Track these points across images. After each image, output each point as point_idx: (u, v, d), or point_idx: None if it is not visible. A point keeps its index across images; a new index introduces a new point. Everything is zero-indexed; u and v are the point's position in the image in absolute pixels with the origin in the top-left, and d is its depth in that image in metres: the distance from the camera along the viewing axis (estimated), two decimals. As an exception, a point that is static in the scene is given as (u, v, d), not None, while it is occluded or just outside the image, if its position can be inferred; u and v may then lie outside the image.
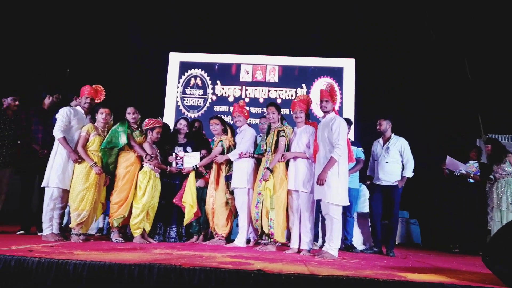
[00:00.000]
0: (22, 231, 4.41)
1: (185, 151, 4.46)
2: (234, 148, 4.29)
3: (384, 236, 4.43)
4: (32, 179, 4.47)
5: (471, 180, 5.26)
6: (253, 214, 3.93)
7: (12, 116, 4.50)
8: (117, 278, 2.36)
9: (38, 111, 4.59)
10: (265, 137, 4.12)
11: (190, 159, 4.37)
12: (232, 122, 6.73)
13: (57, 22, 6.98)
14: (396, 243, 6.38)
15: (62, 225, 4.16)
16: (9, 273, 2.43)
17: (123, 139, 3.99)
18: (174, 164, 4.37)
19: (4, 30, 6.49)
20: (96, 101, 4.19)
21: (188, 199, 4.20)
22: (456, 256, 4.68)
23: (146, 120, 4.23)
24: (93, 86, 4.19)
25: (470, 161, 5.34)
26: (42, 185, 3.89)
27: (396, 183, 4.32)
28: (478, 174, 5.20)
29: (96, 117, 4.08)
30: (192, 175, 4.31)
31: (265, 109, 6.79)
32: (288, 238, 3.93)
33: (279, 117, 4.10)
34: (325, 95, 3.72)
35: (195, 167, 4.32)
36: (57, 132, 3.86)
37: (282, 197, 3.83)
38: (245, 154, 4.14)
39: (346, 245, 4.54)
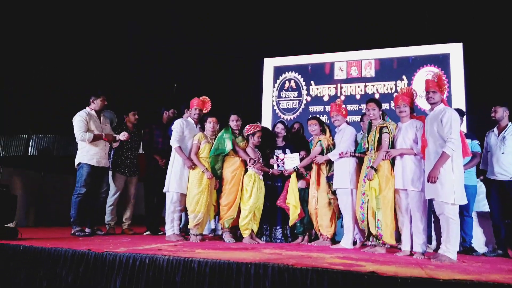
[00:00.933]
0: (148, 232, 4.99)
1: (284, 153, 4.58)
2: (334, 147, 4.27)
3: (508, 237, 3.97)
4: (155, 186, 4.99)
5: None
6: (358, 215, 3.85)
7: (133, 129, 5.13)
8: (236, 275, 2.56)
9: (158, 125, 5.17)
10: (367, 135, 4.01)
11: (291, 160, 4.47)
12: (329, 122, 6.70)
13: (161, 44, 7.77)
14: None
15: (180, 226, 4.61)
16: (144, 270, 2.81)
17: (228, 145, 4.27)
18: (275, 166, 4.51)
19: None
20: (203, 111, 4.57)
21: (291, 200, 4.30)
22: None
23: (247, 126, 4.45)
24: (201, 98, 4.57)
25: None
26: (164, 191, 4.37)
27: None
28: None
29: (205, 126, 4.45)
30: (293, 176, 4.39)
31: (362, 105, 6.66)
32: (398, 240, 3.76)
33: (380, 113, 3.95)
34: (431, 86, 3.49)
35: (295, 168, 4.40)
36: (174, 142, 4.31)
37: (389, 197, 3.68)
38: (346, 153, 4.09)
39: (465, 248, 4.15)
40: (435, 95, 3.47)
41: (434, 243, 4.23)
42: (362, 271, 2.32)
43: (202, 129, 4.54)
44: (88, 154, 4.46)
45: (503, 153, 3.96)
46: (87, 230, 4.54)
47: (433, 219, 4.14)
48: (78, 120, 4.44)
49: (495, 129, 4.14)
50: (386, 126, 3.78)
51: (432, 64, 6.83)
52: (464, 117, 6.04)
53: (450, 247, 3.18)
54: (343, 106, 4.44)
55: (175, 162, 4.32)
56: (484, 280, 2.19)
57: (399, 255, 3.51)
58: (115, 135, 4.67)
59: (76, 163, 4.50)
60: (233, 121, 4.47)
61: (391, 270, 2.44)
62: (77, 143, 4.52)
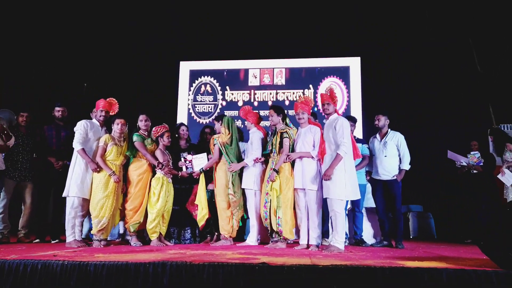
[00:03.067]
0: (37, 240, 4.66)
1: (190, 154, 4.64)
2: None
3: (391, 230, 4.52)
4: (48, 190, 4.72)
5: (474, 171, 5.32)
6: (262, 213, 4.09)
7: (25, 131, 4.79)
8: (133, 276, 2.57)
9: (52, 124, 4.84)
10: (272, 138, 4.28)
11: (199, 161, 4.51)
12: (241, 126, 6.94)
13: (68, 36, 7.32)
14: (411, 236, 6.44)
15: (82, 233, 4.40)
16: (36, 277, 2.67)
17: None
18: (184, 168, 4.54)
19: (17, 44, 6.83)
20: (110, 113, 4.44)
21: (199, 201, 4.37)
22: (468, 246, 4.71)
23: (154, 128, 4.37)
24: (107, 99, 4.44)
25: (472, 152, 5.41)
26: (63, 195, 4.13)
27: (395, 177, 4.43)
28: (481, 164, 5.24)
29: (112, 128, 4.30)
30: (202, 178, 4.44)
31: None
32: (298, 235, 4.08)
33: (280, 118, 4.23)
34: (325, 99, 3.91)
35: (201, 170, 4.45)
36: (76, 145, 4.11)
37: (289, 196, 3.98)
38: (260, 159, 4.29)
39: (356, 240, 4.65)
40: (329, 106, 3.90)
41: (330, 237, 4.63)
42: (254, 263, 2.49)
43: (108, 131, 4.40)
44: (-24, 156, 4.07)
45: (385, 156, 4.51)
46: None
47: (330, 216, 4.54)
48: None
49: (378, 135, 4.70)
50: (286, 131, 4.09)
51: (335, 75, 7.49)
52: (360, 124, 6.74)
53: (338, 238, 3.56)
54: (253, 111, 4.64)
55: (77, 165, 4.12)
56: (357, 264, 2.50)
57: (296, 249, 3.81)
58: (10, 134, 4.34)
59: None
60: (142, 121, 4.40)
61: (281, 261, 2.66)
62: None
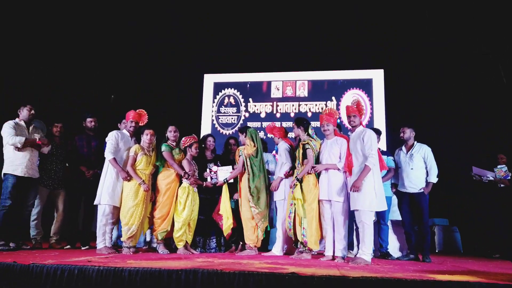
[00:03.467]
0: (68, 246, 4.81)
1: (216, 165, 4.74)
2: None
3: (418, 243, 4.47)
4: (79, 198, 4.88)
5: (502, 185, 5.22)
6: (286, 224, 4.12)
7: (59, 141, 4.99)
8: (166, 282, 2.65)
9: (82, 134, 5.01)
10: (296, 150, 4.34)
11: (223, 173, 4.60)
12: (265, 137, 7.02)
13: (97, 47, 7.61)
14: (437, 250, 6.32)
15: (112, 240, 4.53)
16: (73, 281, 2.79)
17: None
18: (209, 179, 4.63)
19: (45, 55, 7.12)
20: (140, 124, 4.60)
21: (223, 211, 4.44)
22: (496, 261, 4.61)
23: (183, 138, 4.51)
24: (137, 110, 4.61)
25: (498, 166, 5.30)
26: (95, 203, 4.29)
27: (422, 190, 4.39)
28: (508, 178, 5.14)
29: (142, 138, 4.43)
30: (225, 188, 4.50)
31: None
32: (323, 246, 4.09)
33: (301, 130, 4.28)
34: (352, 111, 3.94)
35: (225, 180, 4.52)
36: (108, 154, 4.27)
37: (313, 206, 4.01)
38: (290, 172, 4.34)
39: (382, 253, 4.61)
40: (355, 118, 3.95)
41: (355, 249, 4.62)
42: (284, 273, 2.54)
43: (138, 141, 4.55)
44: (13, 164, 4.29)
45: (411, 169, 4.48)
46: (11, 244, 4.30)
47: (354, 228, 4.54)
48: (6, 127, 4.32)
49: (403, 148, 4.68)
50: (308, 143, 4.14)
51: (358, 88, 7.51)
52: (384, 136, 6.71)
53: (365, 250, 3.56)
54: (277, 126, 4.75)
55: (108, 174, 4.27)
56: (387, 277, 2.51)
57: (322, 260, 3.82)
58: (47, 140, 4.56)
59: (2, 173, 4.30)
60: (171, 132, 4.54)
61: (310, 271, 2.69)
62: (3, 153, 4.32)
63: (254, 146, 4.45)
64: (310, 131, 4.30)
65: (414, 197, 4.46)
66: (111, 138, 4.38)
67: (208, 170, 4.68)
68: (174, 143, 4.56)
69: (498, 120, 6.64)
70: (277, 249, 4.30)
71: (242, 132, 4.63)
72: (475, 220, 6.26)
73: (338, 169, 4.00)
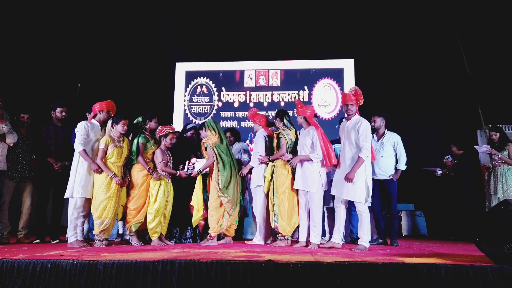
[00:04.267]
0: (38, 241, 4.66)
1: (195, 157, 4.71)
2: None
3: (386, 228, 4.65)
4: (47, 191, 4.75)
5: (452, 174, 5.63)
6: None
7: (25, 133, 4.80)
8: (143, 274, 2.64)
9: (50, 125, 4.83)
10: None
11: (200, 164, 4.60)
12: (237, 127, 7.03)
13: (65, 37, 7.32)
14: (403, 235, 6.60)
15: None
16: (46, 276, 2.72)
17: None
18: (185, 169, 4.60)
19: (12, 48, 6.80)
20: (111, 114, 4.48)
21: (194, 202, 4.41)
22: (459, 243, 4.87)
23: (159, 127, 4.46)
24: (107, 100, 4.48)
25: (445, 157, 5.76)
26: (66, 196, 4.17)
27: (391, 177, 4.56)
28: (455, 167, 5.53)
29: (115, 128, 4.25)
30: (198, 179, 4.48)
31: (269, 112, 7.13)
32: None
33: (277, 120, 4.41)
34: (349, 99, 3.94)
35: (199, 171, 4.48)
36: (78, 146, 4.13)
37: (286, 194, 4.09)
38: (264, 158, 4.38)
39: (352, 238, 4.75)
40: (352, 107, 3.96)
41: (327, 235, 4.76)
42: (261, 260, 2.59)
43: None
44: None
45: (382, 156, 4.62)
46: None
47: (326, 214, 4.67)
48: None
49: (374, 136, 4.79)
50: (280, 132, 4.25)
51: (329, 77, 7.63)
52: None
53: (364, 237, 3.69)
54: (260, 112, 4.75)
55: (80, 166, 4.15)
56: (359, 261, 2.61)
57: (296, 246, 3.91)
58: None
59: None
60: (152, 122, 4.49)
61: (285, 258, 2.76)
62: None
63: (216, 134, 4.41)
64: (285, 120, 4.35)
65: (383, 184, 4.61)
66: (81, 128, 4.21)
67: (187, 161, 4.64)
68: (149, 135, 4.48)
69: (462, 108, 6.95)
70: (258, 238, 4.34)
71: (200, 128, 4.64)
72: (438, 205, 6.58)
73: (311, 160, 4.07)
